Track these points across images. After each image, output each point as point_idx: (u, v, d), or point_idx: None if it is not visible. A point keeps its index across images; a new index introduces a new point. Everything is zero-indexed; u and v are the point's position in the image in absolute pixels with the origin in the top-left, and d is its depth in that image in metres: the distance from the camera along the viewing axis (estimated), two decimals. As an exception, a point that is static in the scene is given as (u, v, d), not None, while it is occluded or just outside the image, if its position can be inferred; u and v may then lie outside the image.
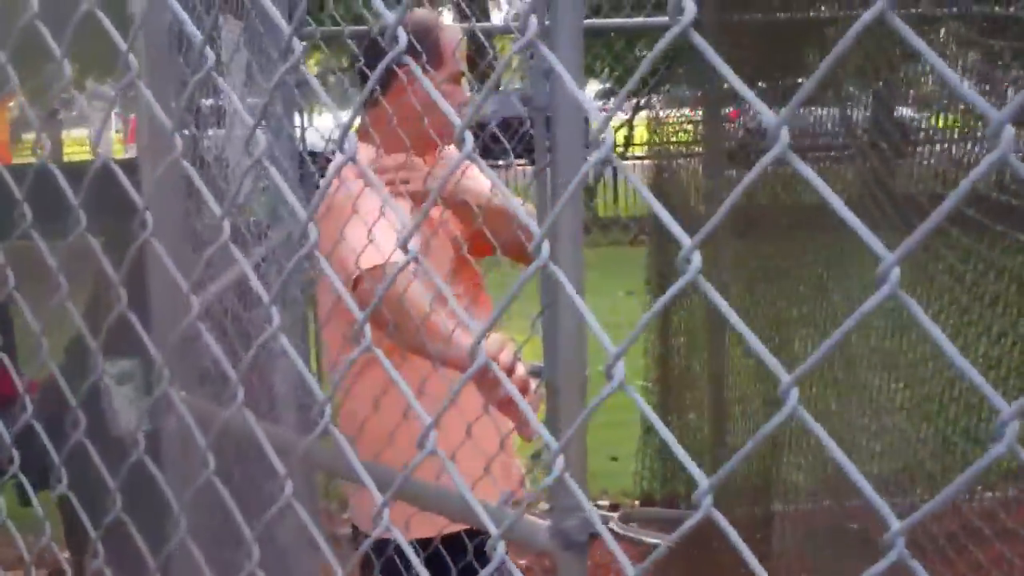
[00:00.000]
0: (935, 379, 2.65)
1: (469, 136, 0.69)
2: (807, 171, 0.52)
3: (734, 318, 0.55)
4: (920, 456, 2.74)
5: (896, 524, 0.48)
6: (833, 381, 3.02)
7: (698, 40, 0.53)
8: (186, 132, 2.35)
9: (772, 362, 0.53)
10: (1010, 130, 0.45)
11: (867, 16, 0.46)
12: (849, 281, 3.05)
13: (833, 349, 0.52)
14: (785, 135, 0.51)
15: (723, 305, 0.55)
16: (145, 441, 2.04)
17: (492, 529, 0.71)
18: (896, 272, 0.48)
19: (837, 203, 0.51)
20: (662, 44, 0.53)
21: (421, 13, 2.45)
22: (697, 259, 0.55)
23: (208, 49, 0.83)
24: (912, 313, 0.49)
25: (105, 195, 1.33)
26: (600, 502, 5.43)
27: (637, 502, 5.31)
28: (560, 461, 0.64)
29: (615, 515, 4.67)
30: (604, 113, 0.58)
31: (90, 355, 1.42)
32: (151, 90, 2.17)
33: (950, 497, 0.47)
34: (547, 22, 1.56)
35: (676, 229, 0.57)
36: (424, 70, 2.30)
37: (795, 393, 0.52)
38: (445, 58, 2.43)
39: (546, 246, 0.62)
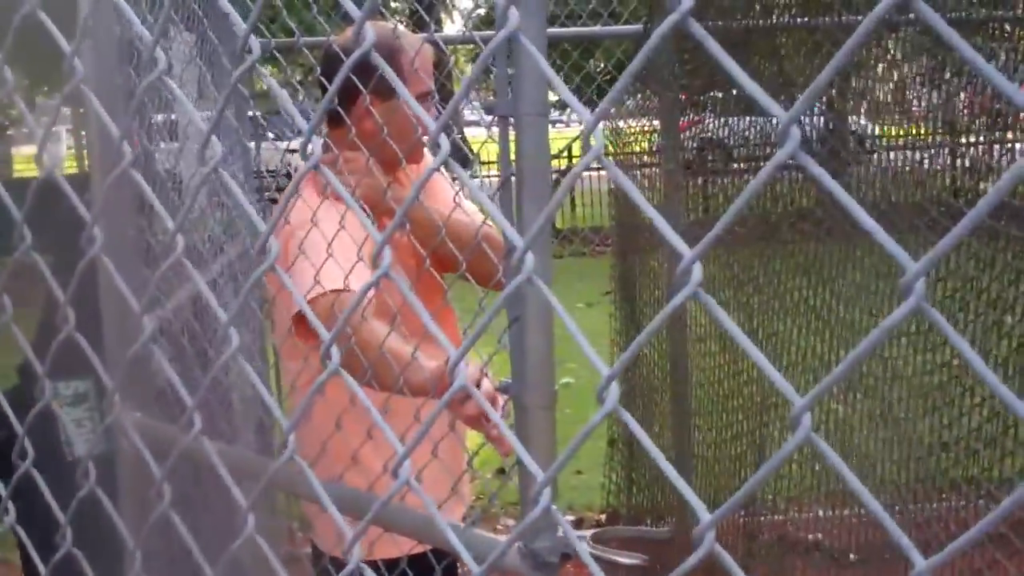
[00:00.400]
0: (951, 384, 2.63)
1: (445, 141, 0.64)
2: (820, 172, 0.48)
3: (740, 336, 0.51)
4: (944, 463, 2.72)
5: (922, 562, 0.43)
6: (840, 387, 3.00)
7: (697, 30, 0.48)
8: (135, 145, 2.29)
9: (784, 386, 0.49)
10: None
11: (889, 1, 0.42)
12: (832, 289, 3.03)
13: (849, 370, 0.48)
14: (796, 133, 0.47)
15: (727, 322, 0.51)
16: (100, 463, 1.97)
17: (473, 567, 0.66)
18: (922, 284, 0.44)
19: (856, 209, 0.47)
20: (663, 29, 0.49)
21: (381, 31, 2.37)
22: (697, 272, 0.51)
23: (160, 52, 0.78)
24: (939, 326, 0.45)
25: (54, 211, 1.28)
26: (566, 517, 5.38)
27: (603, 515, 5.27)
28: (547, 493, 0.59)
29: (587, 534, 4.63)
30: (592, 115, 0.53)
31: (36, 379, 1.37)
32: (99, 100, 2.11)
33: (985, 529, 0.43)
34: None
35: (676, 240, 0.53)
36: (386, 92, 2.24)
37: (808, 419, 0.48)
38: (407, 78, 2.36)
39: (530, 258, 0.57)
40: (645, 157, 4.53)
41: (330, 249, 2.03)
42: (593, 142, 0.53)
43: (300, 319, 2.22)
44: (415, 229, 2.27)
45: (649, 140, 4.41)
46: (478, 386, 1.90)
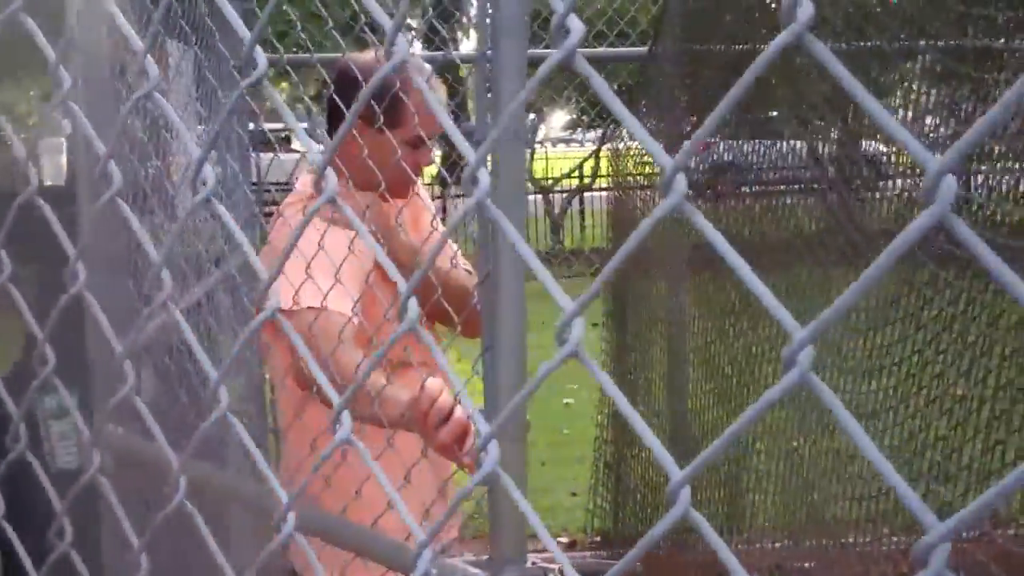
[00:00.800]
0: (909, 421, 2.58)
1: (333, 177, 0.61)
2: (703, 223, 0.44)
3: (624, 403, 0.47)
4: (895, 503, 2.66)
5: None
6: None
7: (584, 67, 0.45)
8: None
9: (665, 457, 0.45)
10: (950, 183, 0.37)
11: (782, 38, 0.39)
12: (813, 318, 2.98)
13: (728, 444, 0.44)
14: (681, 182, 0.43)
15: (608, 382, 0.47)
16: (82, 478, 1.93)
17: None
18: (807, 354, 0.40)
19: (741, 266, 0.44)
20: (549, 66, 0.45)
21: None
22: (578, 328, 0.47)
23: (151, 62, 0.75)
24: (824, 399, 0.41)
25: (39, 224, 1.26)
26: (560, 539, 5.34)
27: (599, 537, 5.21)
28: (427, 554, 0.56)
29: (555, 567, 4.57)
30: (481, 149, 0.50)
31: (28, 386, 1.34)
32: (87, 112, 2.08)
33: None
34: (489, 52, 1.49)
35: (559, 294, 0.49)
36: (375, 122, 2.17)
37: (686, 494, 0.44)
38: (405, 119, 2.25)
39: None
40: (644, 180, 4.49)
41: (309, 268, 1.99)
42: (486, 179, 0.50)
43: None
44: (394, 257, 2.24)
45: (650, 163, 4.37)
46: (451, 414, 1.87)
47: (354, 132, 2.19)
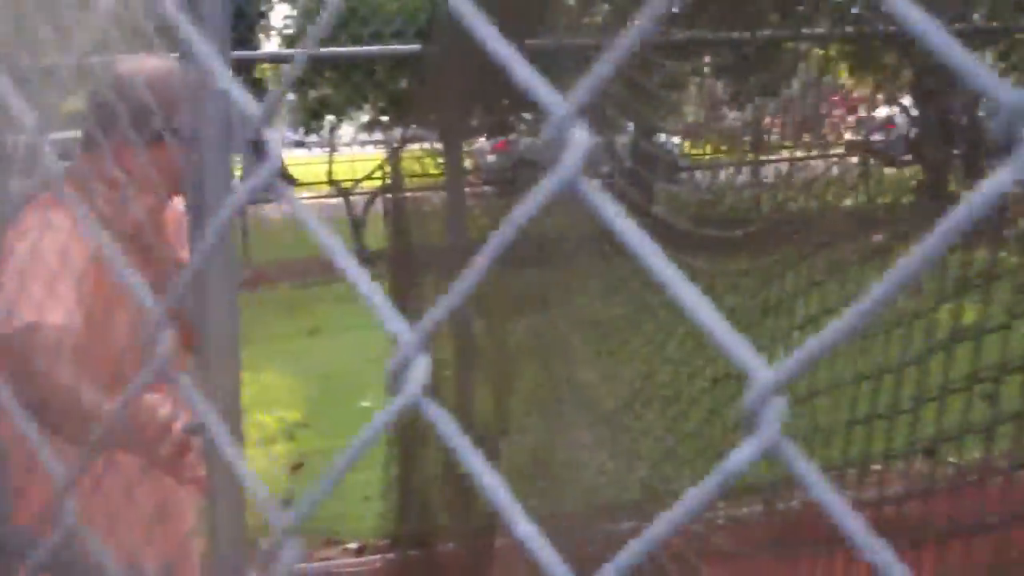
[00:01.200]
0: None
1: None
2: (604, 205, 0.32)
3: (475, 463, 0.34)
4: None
5: None
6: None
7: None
8: None
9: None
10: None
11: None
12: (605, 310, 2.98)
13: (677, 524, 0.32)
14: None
15: (459, 441, 0.35)
16: None
17: None
18: (777, 410, 0.27)
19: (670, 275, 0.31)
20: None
21: (157, 71, 1.99)
22: (420, 370, 0.34)
23: None
24: (795, 470, 0.29)
25: None
26: (349, 545, 5.21)
27: (388, 541, 5.09)
28: None
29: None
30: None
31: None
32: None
33: None
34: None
35: (392, 319, 0.36)
36: (155, 139, 1.84)
37: None
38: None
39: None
40: (428, 180, 4.44)
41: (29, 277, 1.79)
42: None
43: None
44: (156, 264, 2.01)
45: (432, 162, 4.30)
46: (169, 430, 1.74)
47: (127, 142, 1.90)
